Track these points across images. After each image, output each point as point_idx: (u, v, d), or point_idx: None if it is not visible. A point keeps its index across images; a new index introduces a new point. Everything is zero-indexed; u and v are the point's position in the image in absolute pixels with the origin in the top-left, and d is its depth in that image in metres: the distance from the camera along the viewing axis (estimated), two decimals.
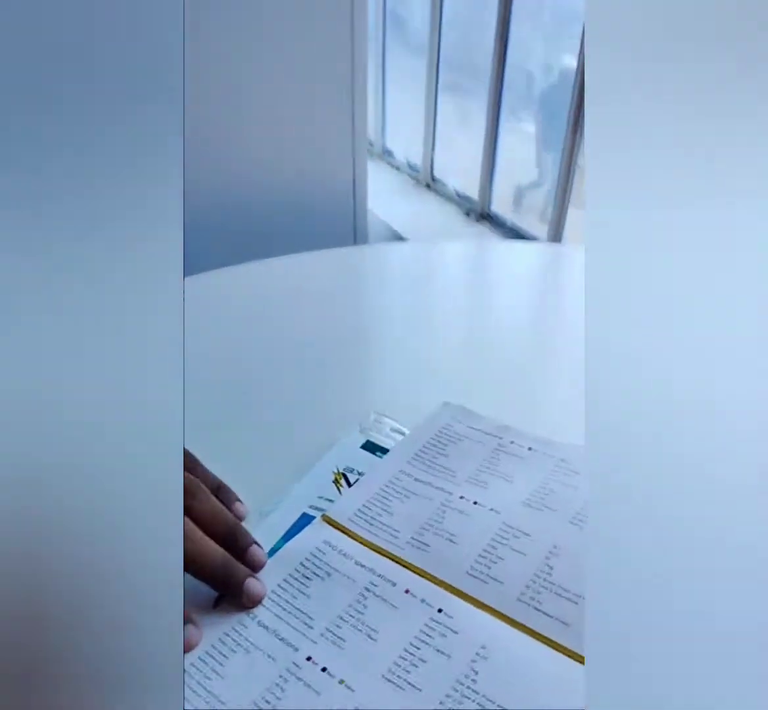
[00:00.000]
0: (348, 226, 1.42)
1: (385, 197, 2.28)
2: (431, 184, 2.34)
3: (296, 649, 0.34)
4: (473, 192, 2.08)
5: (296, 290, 0.73)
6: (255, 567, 0.38)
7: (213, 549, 0.36)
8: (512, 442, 0.46)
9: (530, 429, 0.47)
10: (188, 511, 0.37)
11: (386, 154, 2.63)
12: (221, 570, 0.36)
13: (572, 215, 1.88)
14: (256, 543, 0.39)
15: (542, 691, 0.31)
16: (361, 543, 0.40)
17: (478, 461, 0.45)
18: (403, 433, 0.49)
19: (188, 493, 0.38)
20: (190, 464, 0.42)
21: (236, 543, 0.38)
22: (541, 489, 0.42)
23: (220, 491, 0.42)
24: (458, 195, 2.22)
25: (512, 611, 0.35)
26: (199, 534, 0.36)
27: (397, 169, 2.55)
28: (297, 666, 0.34)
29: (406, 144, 2.45)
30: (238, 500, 0.42)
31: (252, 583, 0.37)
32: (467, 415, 0.50)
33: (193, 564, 0.35)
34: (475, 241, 0.93)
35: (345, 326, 0.67)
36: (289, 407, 0.55)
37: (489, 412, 0.50)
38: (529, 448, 0.46)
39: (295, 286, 0.75)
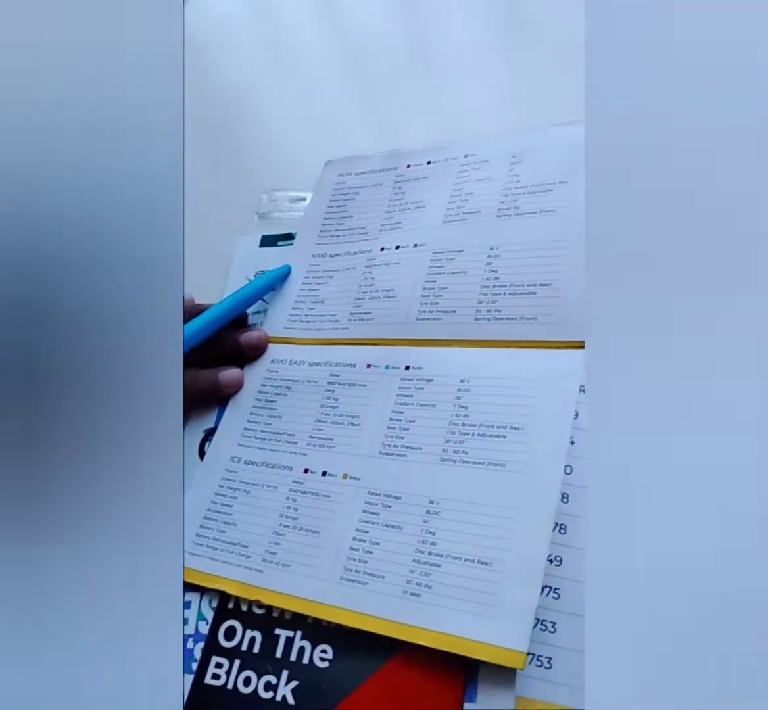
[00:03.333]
0: None
1: None
2: None
3: (290, 468, 0.32)
4: None
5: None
6: (258, 349, 0.37)
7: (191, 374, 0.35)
8: (409, 166, 0.39)
9: (422, 142, 0.40)
10: None
11: None
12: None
13: None
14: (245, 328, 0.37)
15: (538, 390, 0.29)
16: (306, 344, 0.36)
17: (383, 205, 0.39)
18: (304, 198, 0.43)
19: None
20: None
21: (226, 335, 0.36)
22: (454, 198, 0.36)
23: None
24: None
25: (476, 333, 0.31)
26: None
27: None
28: (298, 482, 0.32)
29: None
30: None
31: (225, 374, 0.36)
32: (353, 163, 0.42)
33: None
34: None
35: (193, 116, 0.57)
36: None
37: (384, 140, 0.42)
38: (428, 162, 0.39)
39: None
